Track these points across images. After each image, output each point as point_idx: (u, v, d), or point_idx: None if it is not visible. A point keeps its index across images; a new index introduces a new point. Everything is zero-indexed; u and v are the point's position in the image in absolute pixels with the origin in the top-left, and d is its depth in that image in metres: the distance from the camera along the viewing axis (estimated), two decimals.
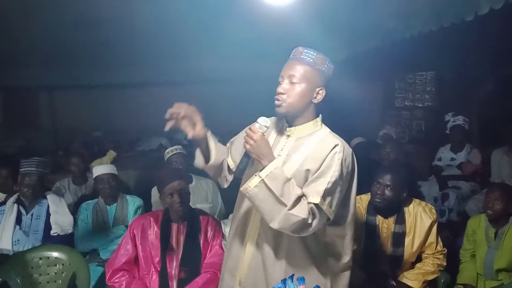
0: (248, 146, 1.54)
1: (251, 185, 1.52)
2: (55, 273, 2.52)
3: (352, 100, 5.47)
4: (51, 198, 2.96)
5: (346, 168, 1.59)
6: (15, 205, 2.86)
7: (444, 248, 2.54)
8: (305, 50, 1.62)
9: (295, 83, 1.59)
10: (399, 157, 3.77)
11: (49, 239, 2.84)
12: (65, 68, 5.24)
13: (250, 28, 3.82)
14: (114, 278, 2.29)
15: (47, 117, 6.61)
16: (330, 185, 1.53)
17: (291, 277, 1.40)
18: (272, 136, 1.72)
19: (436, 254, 2.50)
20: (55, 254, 2.54)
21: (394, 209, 2.47)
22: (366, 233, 2.50)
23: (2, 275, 2.40)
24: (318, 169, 1.55)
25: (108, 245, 2.92)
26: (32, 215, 2.87)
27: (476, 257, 2.72)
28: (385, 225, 2.48)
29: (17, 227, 2.79)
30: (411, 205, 2.51)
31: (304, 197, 1.54)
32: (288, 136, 1.68)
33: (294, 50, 1.65)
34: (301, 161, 1.60)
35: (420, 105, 5.99)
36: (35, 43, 4.19)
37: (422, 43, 4.01)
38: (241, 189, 1.58)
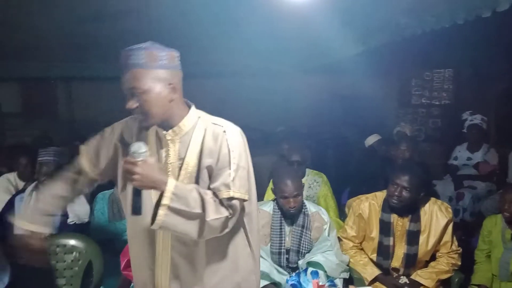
0: (136, 183, 1.36)
1: (161, 217, 1.36)
2: (72, 260, 2.57)
3: (367, 97, 5.43)
4: None
5: (239, 148, 1.50)
6: (34, 193, 2.92)
7: (459, 248, 2.52)
8: (132, 53, 1.39)
9: (140, 93, 1.40)
10: (414, 155, 3.73)
11: (65, 227, 2.89)
12: (83, 60, 5.30)
13: (265, 23, 3.81)
14: (128, 267, 2.32)
15: (65, 108, 6.72)
16: (234, 173, 1.45)
17: (305, 270, 1.41)
18: (151, 149, 1.50)
19: (451, 253, 2.48)
20: (72, 242, 2.59)
21: (409, 208, 2.46)
22: (380, 230, 2.50)
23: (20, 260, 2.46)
24: (217, 162, 1.47)
25: (123, 235, 2.95)
26: None
27: (491, 258, 2.68)
28: (400, 223, 2.47)
29: None
30: (427, 204, 2.49)
31: (214, 195, 1.44)
32: (170, 140, 1.51)
33: (126, 55, 1.41)
34: (195, 160, 1.49)
35: (437, 102, 5.92)
36: (54, 34, 4.24)
37: (439, 39, 3.96)
38: (152, 227, 1.39)
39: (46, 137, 5.84)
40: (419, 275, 2.44)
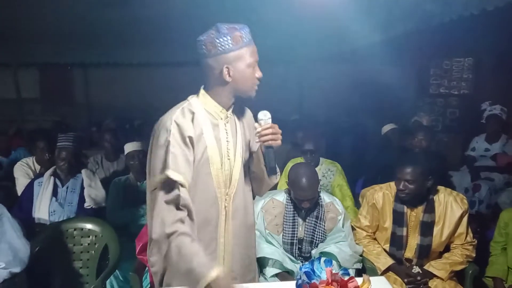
0: (279, 141, 1.55)
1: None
2: (88, 244, 2.64)
3: (385, 86, 5.36)
4: (85, 173, 3.07)
5: None
6: (52, 177, 2.98)
7: (474, 239, 2.49)
8: (249, 30, 1.56)
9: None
10: (431, 145, 3.68)
11: (82, 212, 2.96)
12: (99, 46, 5.34)
13: (283, 10, 3.77)
14: (143, 252, 2.36)
15: (81, 94, 6.82)
16: None
17: (319, 258, 1.41)
18: (209, 125, 1.59)
19: (466, 245, 2.45)
20: (88, 226, 2.65)
21: (421, 199, 2.43)
22: (394, 221, 2.48)
23: (39, 243, 2.53)
24: (250, 133, 1.69)
25: (138, 220, 3.00)
26: (67, 188, 2.99)
27: (507, 251, 2.64)
28: (414, 214, 2.45)
29: (54, 198, 2.92)
30: (442, 194, 2.46)
31: None
32: (227, 119, 1.63)
33: (248, 31, 1.56)
34: (241, 138, 1.67)
35: (455, 92, 5.82)
36: (71, 20, 4.27)
37: (461, 27, 3.84)
38: (271, 179, 1.71)
39: (64, 122, 5.95)
40: (432, 266, 2.43)
